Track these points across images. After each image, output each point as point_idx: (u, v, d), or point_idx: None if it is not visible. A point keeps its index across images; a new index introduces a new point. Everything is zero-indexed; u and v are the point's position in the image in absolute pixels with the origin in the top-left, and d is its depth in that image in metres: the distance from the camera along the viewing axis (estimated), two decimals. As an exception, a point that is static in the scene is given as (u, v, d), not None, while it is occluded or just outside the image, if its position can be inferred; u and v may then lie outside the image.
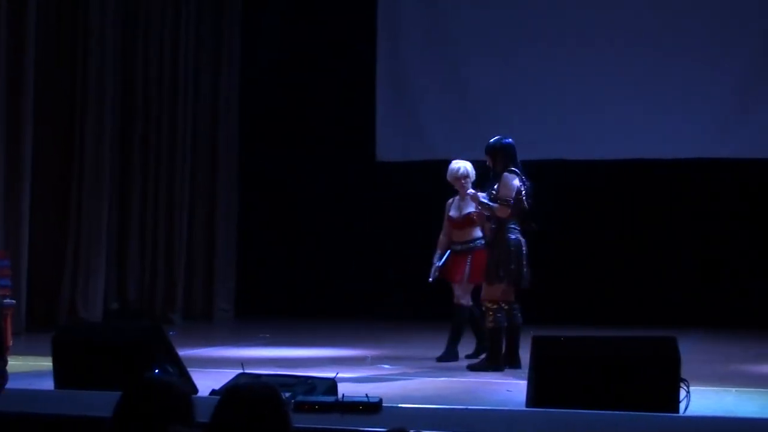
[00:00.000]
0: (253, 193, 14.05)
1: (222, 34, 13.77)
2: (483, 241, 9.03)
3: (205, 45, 13.66)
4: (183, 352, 7.12)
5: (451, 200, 9.32)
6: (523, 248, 8.60)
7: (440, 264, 9.19)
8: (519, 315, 8.71)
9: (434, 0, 13.56)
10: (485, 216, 8.71)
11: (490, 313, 8.54)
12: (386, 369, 8.86)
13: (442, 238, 9.31)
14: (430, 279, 9.23)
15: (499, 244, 8.57)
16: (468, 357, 9.19)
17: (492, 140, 8.82)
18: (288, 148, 14.00)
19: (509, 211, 8.51)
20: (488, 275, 8.60)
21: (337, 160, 13.82)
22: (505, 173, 8.59)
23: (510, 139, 8.78)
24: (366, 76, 13.58)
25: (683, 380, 5.85)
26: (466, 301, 9.20)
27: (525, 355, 7.02)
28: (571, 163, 12.91)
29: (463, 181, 9.12)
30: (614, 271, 12.87)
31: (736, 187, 12.80)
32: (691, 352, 9.06)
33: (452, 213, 9.22)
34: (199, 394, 6.27)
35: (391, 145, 13.54)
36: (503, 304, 8.57)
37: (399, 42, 13.60)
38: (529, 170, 8.74)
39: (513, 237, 8.55)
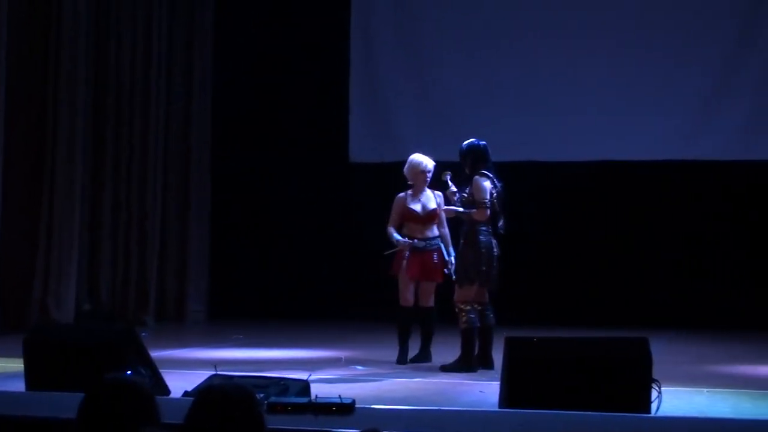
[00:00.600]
0: (226, 194, 14.01)
1: (194, 35, 13.73)
2: (441, 240, 9.09)
3: (178, 46, 13.61)
4: (155, 354, 7.10)
5: (403, 194, 9.23)
6: (494, 250, 8.65)
7: (400, 238, 9.03)
8: (492, 316, 8.75)
9: (407, 3, 13.57)
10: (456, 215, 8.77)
11: (463, 314, 8.58)
12: (359, 370, 8.86)
13: (389, 230, 9.15)
14: (407, 253, 9.03)
15: (470, 245, 8.61)
16: (412, 361, 9.15)
17: (466, 141, 8.87)
18: (261, 149, 13.98)
19: (488, 213, 8.57)
20: (460, 277, 8.65)
21: (310, 162, 13.81)
22: (476, 176, 8.64)
23: (483, 142, 8.82)
24: (339, 77, 13.57)
25: (655, 381, 5.88)
26: (432, 301, 9.21)
27: (498, 356, 7.03)
28: (542, 165, 12.95)
29: (426, 176, 9.13)
30: (586, 273, 12.92)
31: (707, 189, 12.87)
32: (663, 352, 9.10)
33: (415, 208, 9.14)
34: (172, 395, 6.26)
35: (365, 146, 13.54)
36: (476, 305, 8.60)
37: (372, 44, 13.60)
38: (500, 172, 8.78)
39: (484, 239, 8.60)
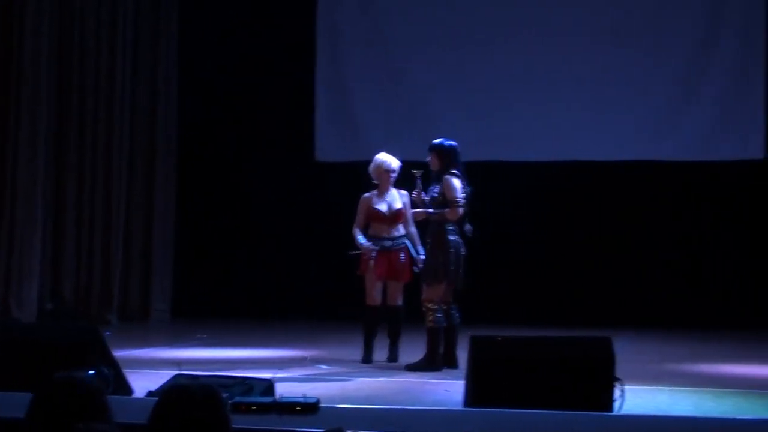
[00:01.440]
0: (191, 193, 13.95)
1: (160, 34, 13.64)
2: (407, 239, 9.11)
3: (143, 45, 13.53)
4: (119, 353, 7.07)
5: (368, 195, 9.23)
6: (462, 250, 8.68)
7: (365, 242, 9.04)
8: (457, 315, 8.78)
9: (374, 1, 13.56)
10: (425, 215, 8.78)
11: (430, 313, 8.59)
12: (324, 369, 8.85)
13: (355, 230, 9.17)
14: (373, 254, 9.04)
15: (439, 245, 8.63)
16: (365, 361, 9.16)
17: (436, 140, 8.88)
18: (227, 148, 13.93)
19: (461, 212, 8.60)
20: (429, 276, 8.66)
21: (276, 161, 13.77)
22: (446, 176, 8.66)
23: (454, 142, 8.84)
24: (306, 76, 13.54)
25: (618, 379, 5.91)
26: (401, 300, 9.22)
27: (463, 355, 7.05)
28: (511, 165, 12.99)
29: (390, 175, 9.14)
30: (552, 272, 12.96)
31: (672, 189, 12.95)
32: (625, 351, 9.14)
33: (380, 208, 9.14)
34: (136, 395, 6.23)
35: (331, 145, 13.52)
36: (442, 305, 8.62)
37: (338, 42, 13.58)
38: (468, 171, 8.81)
39: (453, 239, 8.62)
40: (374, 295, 9.16)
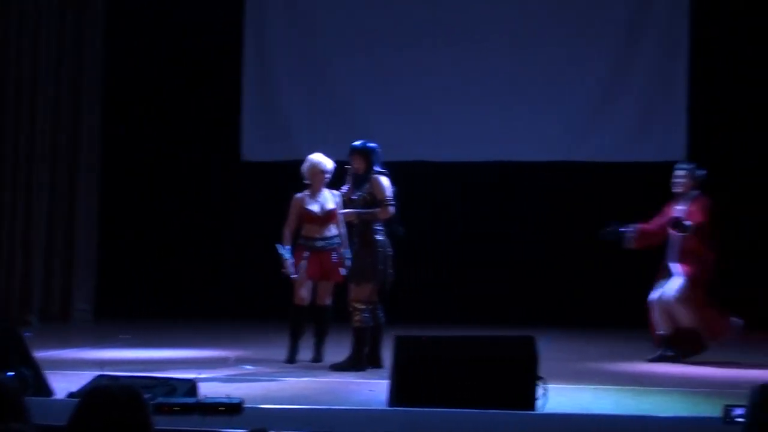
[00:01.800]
0: (115, 192, 13.80)
1: (83, 32, 13.47)
2: (339, 239, 9.13)
3: (67, 43, 13.34)
4: (39, 354, 6.98)
5: (300, 195, 9.22)
6: (389, 249, 8.71)
7: (288, 258, 9.06)
8: (382, 315, 8.80)
9: (301, 1, 13.52)
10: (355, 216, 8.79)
11: (357, 313, 8.61)
12: (248, 369, 8.82)
13: (286, 232, 9.17)
14: (296, 275, 9.10)
15: (367, 245, 8.65)
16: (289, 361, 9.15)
17: (358, 143, 8.90)
18: (152, 147, 13.79)
19: (392, 210, 8.64)
20: (356, 276, 8.68)
21: (202, 160, 13.68)
22: (376, 175, 8.69)
23: (374, 144, 8.89)
24: (232, 76, 13.47)
25: (541, 378, 5.97)
26: (330, 300, 9.23)
27: (388, 355, 7.07)
28: (437, 165, 13.04)
29: (324, 176, 9.16)
30: (477, 272, 13.03)
31: (595, 190, 13.06)
32: (548, 350, 9.24)
33: (312, 208, 9.13)
34: (56, 396, 6.16)
35: (257, 145, 13.45)
36: (369, 305, 8.64)
37: (265, 42, 13.51)
38: (394, 172, 8.85)
39: (380, 238, 8.65)
40: (302, 294, 9.15)
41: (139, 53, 13.73)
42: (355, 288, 8.68)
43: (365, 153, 8.79)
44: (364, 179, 8.76)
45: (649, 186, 12.92)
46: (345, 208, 8.90)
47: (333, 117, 13.12)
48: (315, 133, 12.90)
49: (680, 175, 9.74)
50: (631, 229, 9.87)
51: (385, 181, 8.70)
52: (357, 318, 8.61)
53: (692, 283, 9.52)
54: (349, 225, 8.98)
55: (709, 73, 12.74)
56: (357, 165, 8.80)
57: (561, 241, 13.07)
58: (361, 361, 8.61)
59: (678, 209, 9.70)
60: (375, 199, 8.65)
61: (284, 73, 13.43)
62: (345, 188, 8.91)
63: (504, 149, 12.93)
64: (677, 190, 9.73)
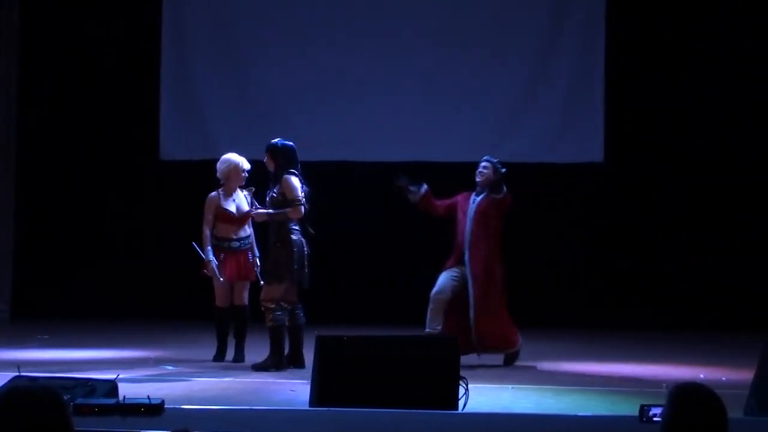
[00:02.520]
0: (31, 191, 13.60)
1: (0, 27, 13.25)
2: (253, 239, 9.25)
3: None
4: (-45, 355, 6.87)
5: (215, 194, 9.24)
6: (305, 249, 8.73)
7: (212, 260, 9.09)
8: (302, 315, 8.82)
9: (221, -1, 13.46)
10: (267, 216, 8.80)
11: (269, 312, 8.63)
12: (169, 370, 8.77)
13: (207, 233, 9.18)
14: (222, 279, 9.12)
15: (283, 245, 8.65)
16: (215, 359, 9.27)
17: (273, 141, 8.91)
18: (70, 145, 13.62)
19: (302, 210, 8.65)
20: (269, 276, 8.72)
21: (120, 159, 13.54)
22: (286, 175, 8.70)
23: (291, 142, 8.90)
24: (150, 74, 13.35)
25: (462, 378, 6.02)
26: (246, 299, 9.30)
27: (308, 357, 7.07)
28: (358, 165, 13.04)
29: (241, 176, 9.21)
30: (405, 272, 13.03)
31: (517, 191, 13.14)
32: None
33: (229, 208, 9.16)
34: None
35: (175, 143, 13.35)
36: (284, 304, 8.65)
37: (184, 40, 13.38)
38: (309, 171, 8.86)
39: (296, 238, 8.67)
40: (223, 296, 9.24)
41: (54, 51, 13.54)
42: (267, 288, 8.73)
43: (275, 152, 8.81)
44: (275, 179, 8.77)
45: (567, 187, 13.11)
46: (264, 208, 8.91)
47: (251, 116, 13.06)
48: (233, 132, 12.87)
49: (484, 166, 9.71)
50: (422, 189, 9.67)
51: (295, 181, 8.71)
52: (270, 317, 8.63)
53: (480, 286, 9.33)
54: (264, 225, 8.99)
55: (626, 75, 12.92)
56: (269, 164, 8.83)
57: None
58: (281, 360, 8.62)
59: (474, 198, 9.57)
60: (286, 199, 8.67)
61: (203, 71, 13.33)
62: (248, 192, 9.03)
63: (424, 149, 12.97)
64: (478, 179, 9.70)
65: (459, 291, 9.33)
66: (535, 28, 13.02)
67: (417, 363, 6.03)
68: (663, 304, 12.70)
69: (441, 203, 9.76)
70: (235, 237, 9.18)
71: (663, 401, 3.36)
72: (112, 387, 5.82)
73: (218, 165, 9.30)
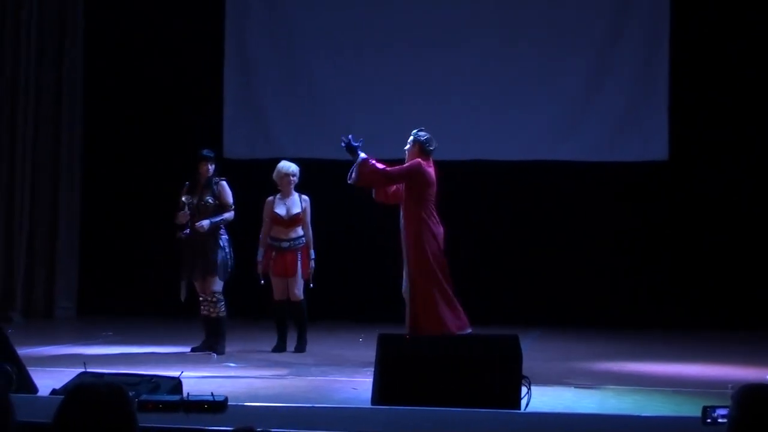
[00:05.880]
0: (97, 189, 13.75)
1: (65, 37, 13.37)
2: (305, 239, 9.85)
3: (48, 47, 13.28)
4: (22, 351, 6.97)
5: (271, 198, 9.96)
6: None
7: (258, 260, 9.99)
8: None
9: (281, 2, 13.50)
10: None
11: (222, 303, 9.77)
12: (232, 367, 8.82)
13: (263, 235, 10.01)
14: (262, 281, 9.98)
15: (217, 245, 9.75)
16: (274, 350, 9.90)
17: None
18: (134, 146, 13.75)
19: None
20: (220, 272, 9.74)
21: (185, 158, 13.63)
22: (222, 181, 9.83)
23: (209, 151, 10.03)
24: (214, 74, 13.45)
25: (525, 377, 5.99)
26: (301, 294, 9.85)
27: (367, 353, 7.08)
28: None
29: (289, 180, 9.84)
30: (463, 271, 13.01)
31: (577, 189, 13.08)
32: (532, 350, 9.28)
33: (279, 211, 9.85)
34: (40, 393, 6.15)
35: (239, 143, 13.47)
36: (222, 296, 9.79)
37: (247, 41, 13.48)
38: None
39: (226, 237, 9.85)
40: (279, 291, 9.91)
41: (119, 55, 13.68)
42: (219, 282, 9.75)
43: (211, 159, 9.80)
44: (209, 184, 9.72)
45: (631, 186, 12.99)
46: (198, 214, 9.74)
47: (313, 116, 13.14)
48: (295, 131, 13.08)
49: (408, 141, 9.41)
50: (372, 163, 9.02)
51: (227, 186, 9.71)
52: (222, 307, 9.77)
53: (414, 274, 8.57)
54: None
55: (691, 72, 12.76)
56: (203, 171, 9.74)
57: (543, 240, 13.09)
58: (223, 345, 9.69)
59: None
60: (222, 204, 9.64)
61: (266, 71, 13.42)
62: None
63: (486, 148, 12.93)
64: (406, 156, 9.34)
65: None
66: (597, 22, 12.90)
67: (479, 362, 6.02)
68: (728, 304, 12.53)
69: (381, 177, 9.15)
70: (285, 238, 9.85)
71: (727, 402, 3.32)
72: (176, 384, 5.88)
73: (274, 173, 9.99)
